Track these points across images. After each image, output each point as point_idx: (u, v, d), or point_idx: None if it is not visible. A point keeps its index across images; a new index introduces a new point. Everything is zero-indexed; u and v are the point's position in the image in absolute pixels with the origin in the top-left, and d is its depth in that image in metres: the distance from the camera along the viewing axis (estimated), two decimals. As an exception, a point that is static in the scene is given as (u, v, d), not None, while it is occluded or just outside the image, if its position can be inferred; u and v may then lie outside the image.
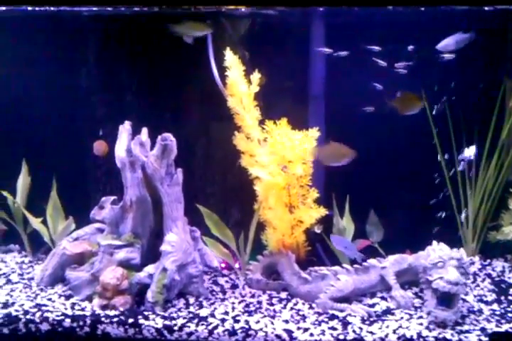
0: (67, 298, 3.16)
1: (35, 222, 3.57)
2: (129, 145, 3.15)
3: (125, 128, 3.23)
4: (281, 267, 3.40)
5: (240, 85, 3.16)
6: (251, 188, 3.49)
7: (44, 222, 3.62)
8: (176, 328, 2.89)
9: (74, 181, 3.66)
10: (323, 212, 3.23)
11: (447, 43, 3.22)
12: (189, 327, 2.90)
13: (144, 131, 3.25)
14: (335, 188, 3.47)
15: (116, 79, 3.54)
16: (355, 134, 3.35)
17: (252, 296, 3.27)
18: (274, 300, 3.22)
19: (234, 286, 3.40)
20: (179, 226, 3.21)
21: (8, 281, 3.36)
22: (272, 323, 2.94)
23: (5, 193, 3.57)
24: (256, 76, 3.19)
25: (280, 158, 3.15)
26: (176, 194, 3.19)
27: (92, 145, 3.54)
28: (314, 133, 3.10)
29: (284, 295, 3.29)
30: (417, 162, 3.50)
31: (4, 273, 3.46)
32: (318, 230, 3.44)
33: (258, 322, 2.95)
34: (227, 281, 3.47)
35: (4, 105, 3.53)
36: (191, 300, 3.17)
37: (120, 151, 3.16)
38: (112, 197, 3.33)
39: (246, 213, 3.57)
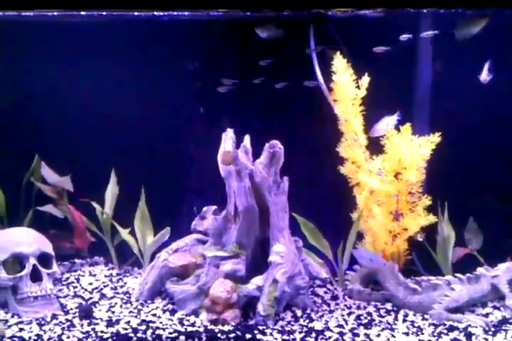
0: (172, 312, 3.03)
1: (124, 233, 3.47)
2: (234, 153, 3.07)
3: (228, 136, 3.14)
4: (383, 277, 3.29)
5: (348, 90, 3.11)
6: (348, 195, 3.46)
7: (131, 233, 3.52)
8: (296, 343, 2.85)
9: (161, 192, 3.57)
10: (432, 219, 3.19)
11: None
12: (309, 341, 2.86)
13: (247, 138, 3.16)
14: (434, 195, 3.42)
15: (215, 86, 3.41)
16: (457, 139, 3.32)
17: (358, 308, 3.19)
18: (382, 312, 3.16)
19: (334, 297, 3.33)
20: (285, 237, 3.10)
21: (103, 296, 3.23)
22: (393, 336, 2.86)
23: (94, 204, 3.48)
24: (365, 80, 3.14)
25: (395, 164, 3.10)
26: (282, 203, 3.08)
27: (182, 153, 3.50)
28: (435, 138, 3.05)
29: (389, 306, 3.20)
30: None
31: (96, 288, 3.34)
32: (420, 238, 3.36)
33: (379, 335, 2.85)
34: (325, 292, 3.40)
35: (96, 115, 3.44)
36: (298, 312, 3.07)
37: (225, 159, 3.12)
38: (213, 207, 3.24)
39: (341, 221, 3.56)
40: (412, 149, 3.01)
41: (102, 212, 3.51)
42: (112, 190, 3.51)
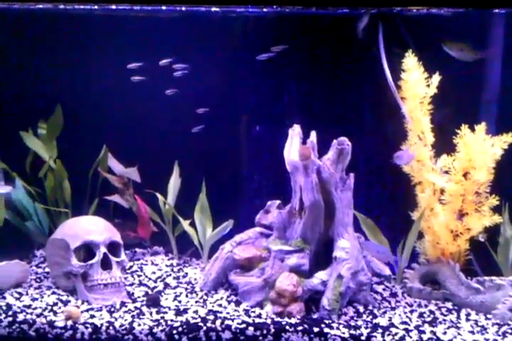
0: (236, 303, 3.08)
1: (186, 224, 3.51)
2: (306, 149, 3.11)
3: (295, 132, 3.17)
4: (443, 276, 3.30)
5: (418, 88, 3.10)
6: (408, 193, 3.46)
7: (191, 225, 3.56)
8: (363, 338, 2.85)
9: (221, 184, 3.62)
10: (497, 219, 3.18)
11: None
12: (375, 337, 2.84)
13: (313, 134, 3.17)
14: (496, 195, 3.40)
15: (282, 81, 3.46)
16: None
17: (419, 305, 3.20)
18: (444, 310, 3.16)
19: (393, 294, 3.34)
20: (350, 233, 3.14)
21: (167, 285, 3.29)
22: (460, 334, 2.89)
23: (158, 195, 3.51)
24: (436, 78, 3.13)
25: (466, 163, 3.09)
26: (347, 199, 3.11)
27: (244, 147, 3.55)
28: (509, 138, 3.03)
29: (449, 305, 3.20)
30: None
31: (160, 277, 3.39)
32: (482, 239, 3.37)
33: (445, 333, 2.88)
34: (384, 289, 3.41)
35: (160, 107, 3.45)
36: (360, 308, 3.10)
37: (293, 155, 3.12)
38: (277, 202, 3.27)
39: (400, 219, 3.57)
40: (484, 149, 3.02)
41: (165, 203, 3.58)
42: (174, 182, 3.55)
